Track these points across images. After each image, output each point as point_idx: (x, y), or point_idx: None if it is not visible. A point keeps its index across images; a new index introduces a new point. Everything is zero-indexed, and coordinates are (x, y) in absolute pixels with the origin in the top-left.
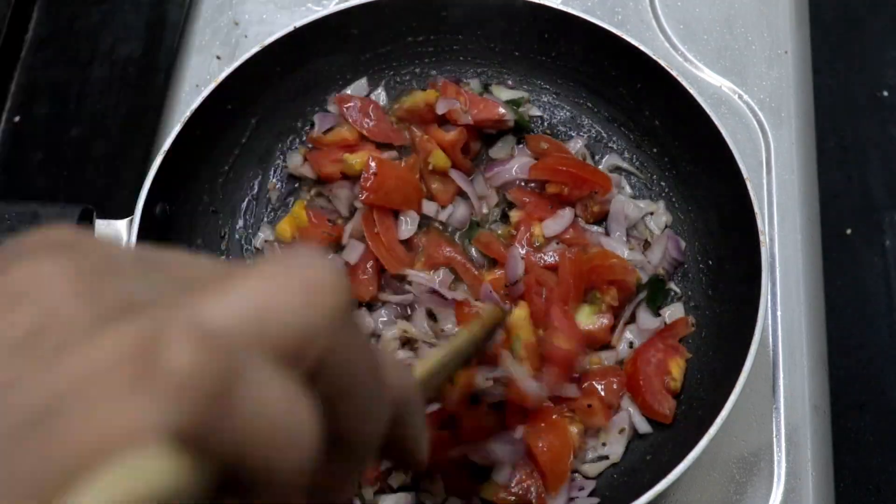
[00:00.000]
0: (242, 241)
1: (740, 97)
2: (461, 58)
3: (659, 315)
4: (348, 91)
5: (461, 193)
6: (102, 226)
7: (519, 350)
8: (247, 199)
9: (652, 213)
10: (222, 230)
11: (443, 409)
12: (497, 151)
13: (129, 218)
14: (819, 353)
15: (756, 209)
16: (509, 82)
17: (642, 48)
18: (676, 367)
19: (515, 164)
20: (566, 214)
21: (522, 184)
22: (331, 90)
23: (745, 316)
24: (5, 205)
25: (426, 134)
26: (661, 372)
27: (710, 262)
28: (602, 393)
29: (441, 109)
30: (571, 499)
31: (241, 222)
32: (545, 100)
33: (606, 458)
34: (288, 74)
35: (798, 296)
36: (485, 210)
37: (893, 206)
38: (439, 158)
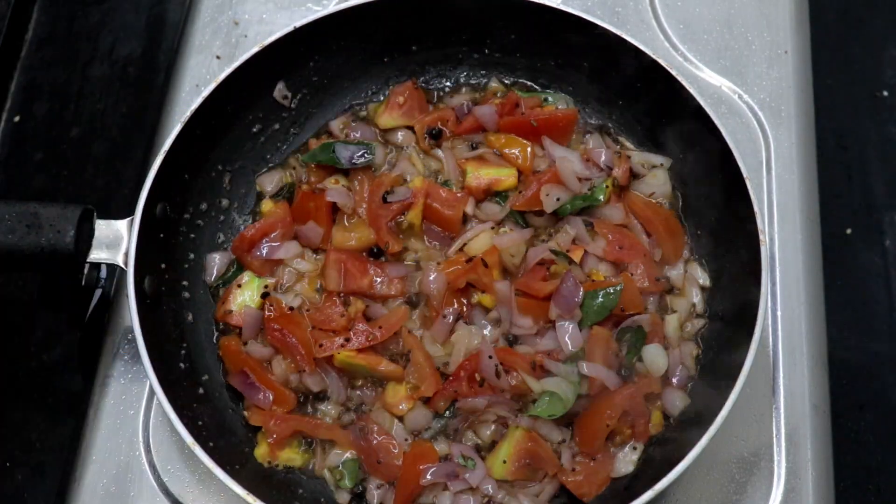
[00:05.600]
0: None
1: (740, 97)
2: (459, 56)
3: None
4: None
5: None
6: (102, 226)
7: None
8: (251, 196)
9: None
10: (224, 229)
11: None
12: None
13: (130, 218)
14: (819, 353)
15: (756, 209)
16: (506, 81)
17: (642, 48)
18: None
19: None
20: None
21: None
22: (333, 92)
23: (745, 316)
24: (5, 205)
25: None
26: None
27: (711, 262)
28: None
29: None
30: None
31: (242, 219)
32: (544, 99)
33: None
34: (288, 74)
35: (798, 296)
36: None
37: (893, 206)
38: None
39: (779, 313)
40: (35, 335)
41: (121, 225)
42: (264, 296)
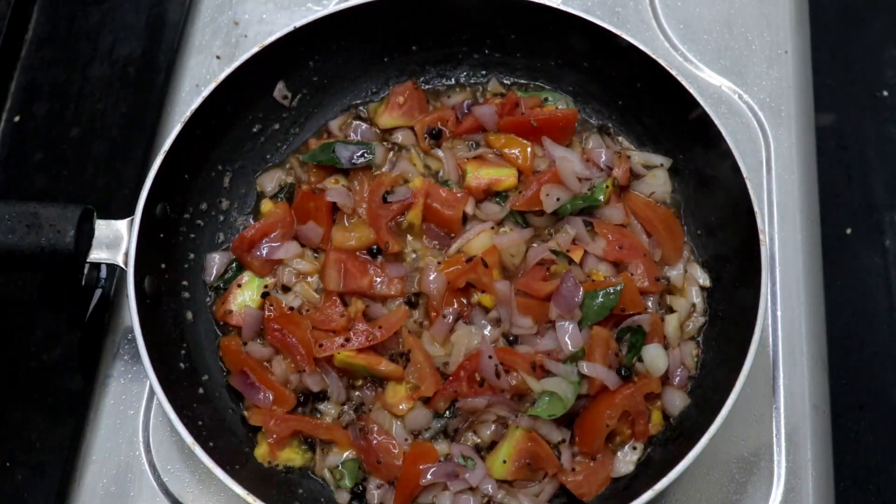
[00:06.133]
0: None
1: (740, 97)
2: (459, 56)
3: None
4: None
5: None
6: (102, 226)
7: None
8: (251, 196)
9: None
10: (224, 229)
11: None
12: None
13: (130, 218)
14: (819, 353)
15: (756, 209)
16: (506, 81)
17: (642, 48)
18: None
19: None
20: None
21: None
22: (333, 92)
23: (745, 316)
24: (5, 205)
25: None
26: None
27: (711, 262)
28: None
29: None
30: None
31: (242, 219)
32: (544, 99)
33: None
34: (288, 74)
35: (798, 296)
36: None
37: (893, 206)
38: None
39: (779, 313)
40: (35, 335)
41: (121, 225)
42: (264, 296)
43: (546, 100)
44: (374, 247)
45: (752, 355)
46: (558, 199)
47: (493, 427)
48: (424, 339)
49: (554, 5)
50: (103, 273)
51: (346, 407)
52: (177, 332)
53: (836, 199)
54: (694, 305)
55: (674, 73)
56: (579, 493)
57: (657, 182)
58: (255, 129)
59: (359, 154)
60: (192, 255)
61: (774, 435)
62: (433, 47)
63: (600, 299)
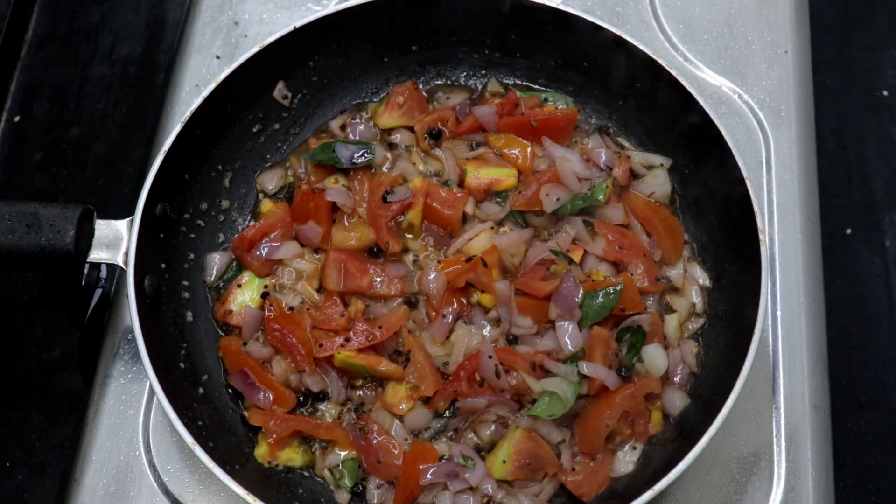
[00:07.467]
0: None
1: (740, 97)
2: (459, 56)
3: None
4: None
5: None
6: (102, 226)
7: None
8: (251, 196)
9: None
10: (224, 229)
11: None
12: None
13: (130, 218)
14: (819, 353)
15: (756, 209)
16: (506, 81)
17: (642, 48)
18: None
19: None
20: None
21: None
22: (333, 92)
23: (745, 316)
24: (5, 205)
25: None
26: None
27: (711, 262)
28: None
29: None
30: None
31: (242, 219)
32: (544, 99)
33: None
34: (288, 74)
35: (798, 296)
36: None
37: (893, 206)
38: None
39: (779, 313)
40: (35, 335)
41: (121, 225)
42: (264, 296)
43: (546, 100)
44: (375, 247)
45: (752, 355)
46: (558, 199)
47: (493, 427)
48: (424, 339)
49: (554, 5)
50: (103, 273)
51: (346, 407)
52: (177, 332)
53: (836, 199)
54: (694, 305)
55: (674, 73)
56: (579, 492)
57: (657, 182)
58: (255, 129)
59: (359, 154)
60: (192, 255)
61: (774, 435)
62: (433, 47)
63: (600, 299)
